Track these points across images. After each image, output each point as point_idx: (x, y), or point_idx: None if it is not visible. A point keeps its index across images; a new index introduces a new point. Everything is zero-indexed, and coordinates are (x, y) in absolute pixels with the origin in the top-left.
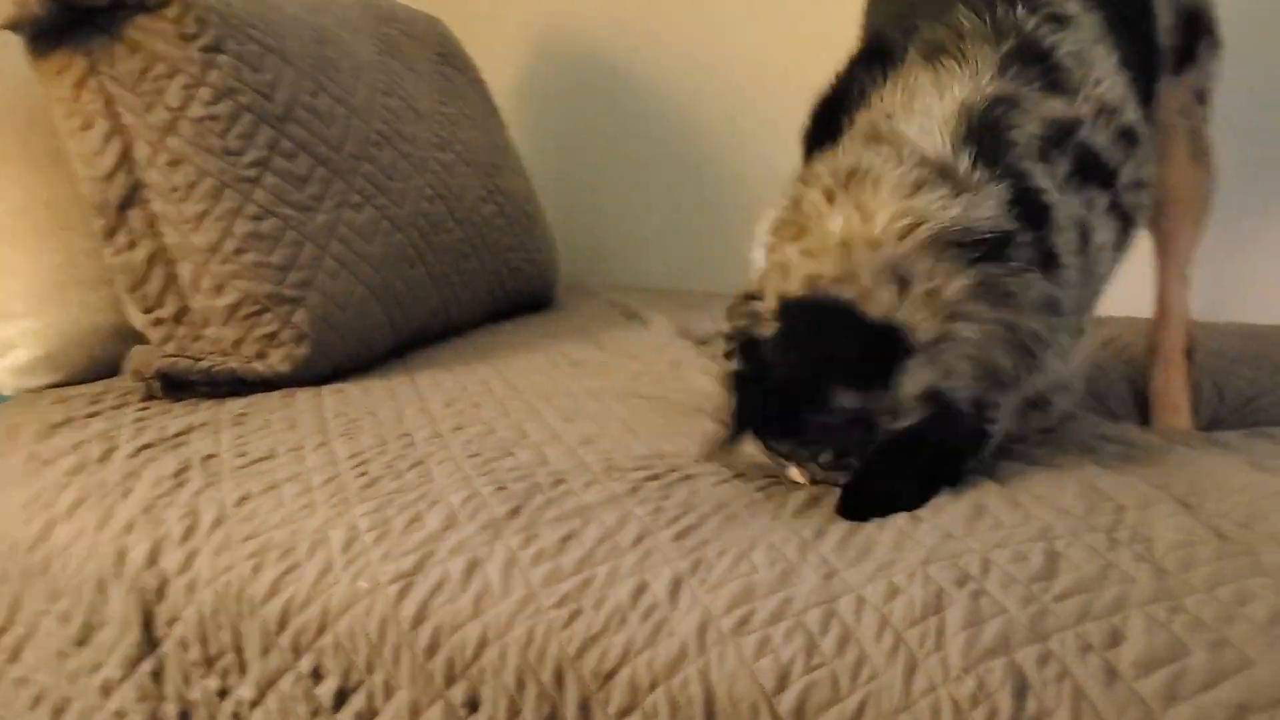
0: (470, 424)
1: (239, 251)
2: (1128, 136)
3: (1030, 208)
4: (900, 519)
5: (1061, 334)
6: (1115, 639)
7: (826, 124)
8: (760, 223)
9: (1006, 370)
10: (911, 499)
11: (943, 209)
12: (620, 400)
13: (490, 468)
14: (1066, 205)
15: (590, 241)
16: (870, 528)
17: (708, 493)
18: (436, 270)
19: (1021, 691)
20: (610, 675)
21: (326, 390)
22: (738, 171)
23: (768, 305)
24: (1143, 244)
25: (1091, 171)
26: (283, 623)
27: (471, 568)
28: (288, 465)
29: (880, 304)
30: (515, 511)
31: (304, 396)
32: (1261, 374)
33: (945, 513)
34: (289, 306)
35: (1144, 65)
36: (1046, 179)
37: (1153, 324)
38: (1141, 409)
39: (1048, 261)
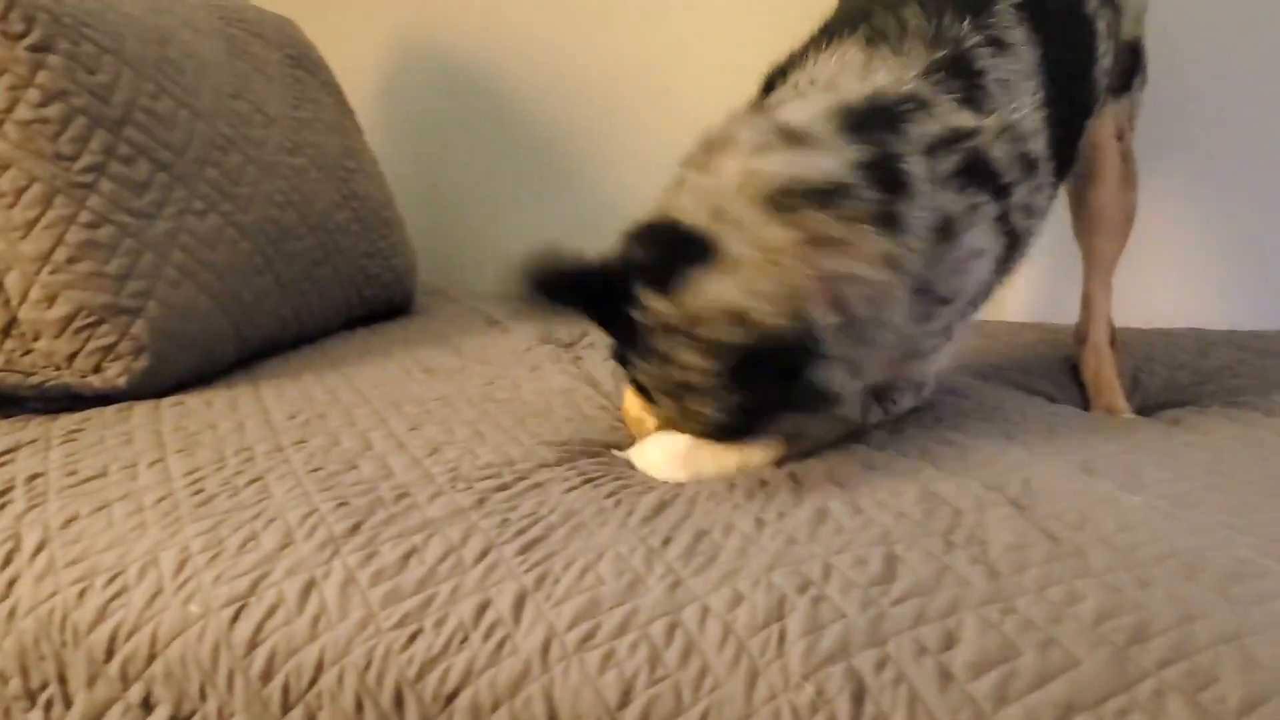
0: (314, 436)
1: (72, 260)
2: (1026, 161)
3: (883, 173)
4: (744, 525)
5: (900, 287)
6: (950, 641)
7: (766, 90)
8: None
9: (829, 321)
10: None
11: (778, 165)
12: (471, 406)
13: (332, 482)
14: (932, 192)
15: (453, 247)
16: (716, 533)
17: (556, 501)
18: (286, 278)
19: (859, 696)
20: (452, 697)
21: (166, 404)
22: (602, 175)
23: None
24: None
25: (980, 177)
26: (110, 651)
27: (308, 588)
28: (119, 484)
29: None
30: (355, 528)
31: (141, 411)
32: (1178, 372)
33: (789, 518)
34: (127, 318)
35: (1074, 106)
36: (916, 162)
37: (1080, 322)
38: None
39: (887, 220)
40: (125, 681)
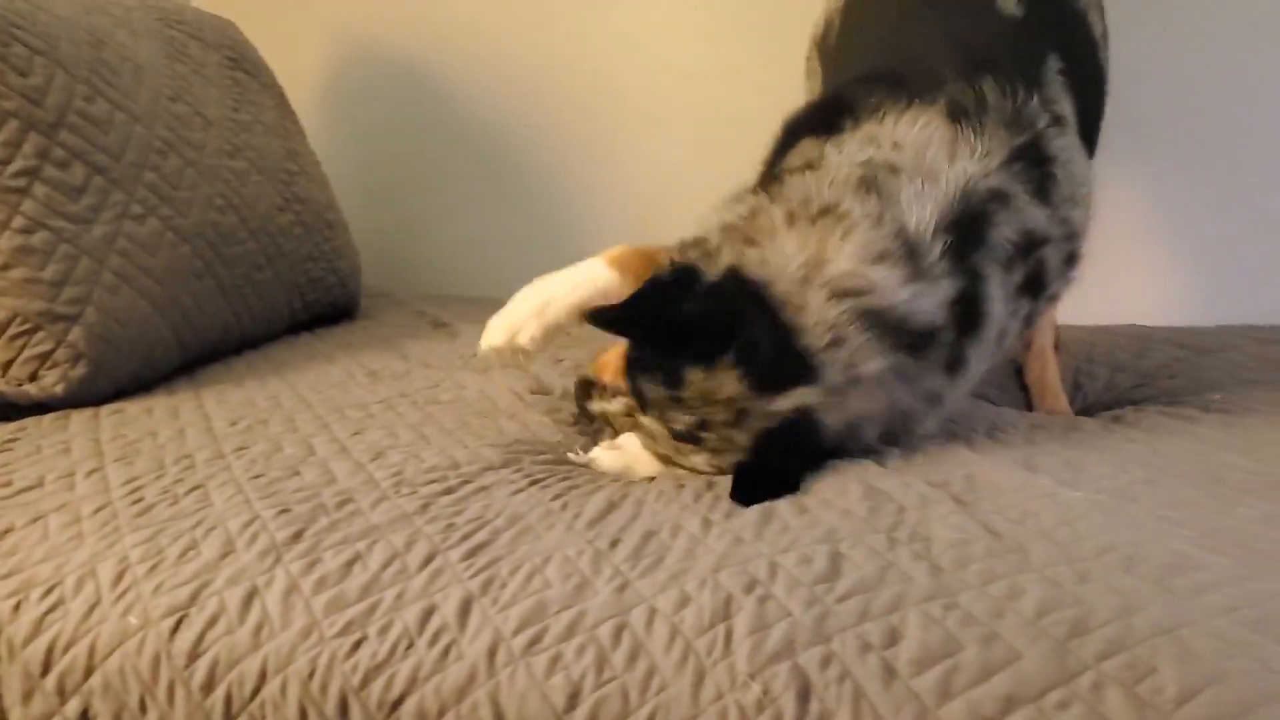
0: (256, 443)
1: (6, 267)
2: (1071, 261)
3: (968, 312)
4: (692, 525)
5: (932, 417)
6: (893, 638)
7: (814, 125)
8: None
9: (869, 433)
10: (794, 482)
11: (892, 290)
12: (416, 409)
13: (273, 489)
14: (1000, 315)
15: (399, 249)
16: (664, 534)
17: (503, 504)
18: (228, 282)
19: (805, 694)
20: (397, 704)
21: (105, 412)
22: (548, 178)
23: (721, 260)
24: None
25: (1034, 286)
26: (47, 665)
27: (250, 597)
28: (56, 494)
29: (808, 332)
30: (297, 536)
31: (79, 419)
32: (1118, 374)
33: (736, 518)
34: (63, 324)
35: (1090, 144)
36: (998, 288)
37: None
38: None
39: (954, 365)
40: (63, 696)
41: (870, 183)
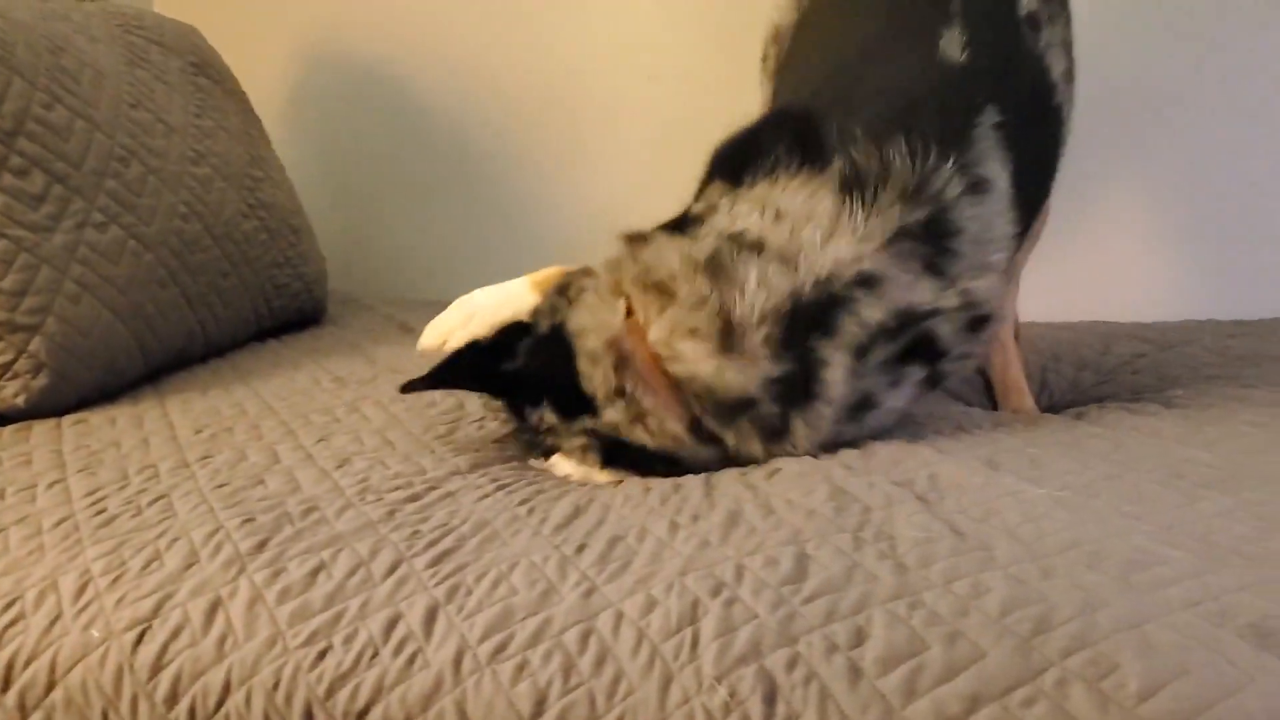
0: (220, 451)
1: None
2: (976, 324)
3: (793, 389)
4: (659, 529)
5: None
6: (859, 638)
7: (725, 169)
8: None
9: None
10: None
11: (695, 360)
12: (382, 413)
13: (238, 498)
14: (844, 391)
15: (365, 254)
16: (631, 539)
17: (468, 510)
18: (192, 290)
19: (771, 697)
20: (363, 714)
21: (67, 422)
22: (515, 180)
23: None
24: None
25: (920, 352)
26: (7, 680)
27: (213, 608)
28: (16, 507)
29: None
30: (261, 545)
31: (41, 430)
32: (1082, 372)
33: (703, 521)
34: (24, 334)
35: (1040, 191)
36: (839, 369)
37: None
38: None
39: (774, 431)
40: (24, 711)
41: (715, 266)
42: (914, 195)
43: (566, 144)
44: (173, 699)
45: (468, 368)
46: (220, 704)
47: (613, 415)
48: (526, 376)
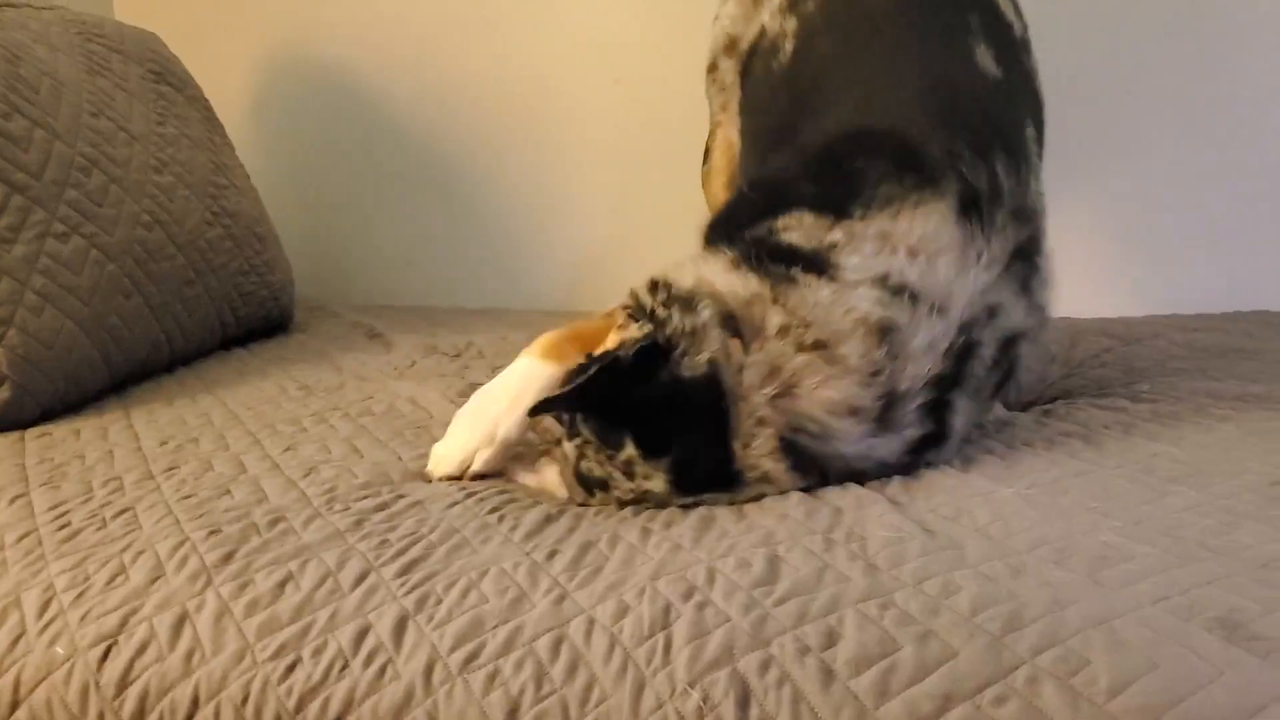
0: (185, 462)
1: None
2: (1037, 342)
3: (924, 445)
4: (631, 535)
5: None
6: (831, 639)
7: (817, 199)
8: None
9: None
10: None
11: (848, 442)
12: (349, 421)
13: (203, 510)
14: (961, 429)
15: (333, 261)
16: (602, 545)
17: (437, 518)
18: (156, 300)
19: (745, 700)
20: None
21: (30, 435)
22: (482, 186)
23: (704, 345)
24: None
25: (1005, 382)
26: None
27: (180, 622)
28: None
29: (741, 461)
30: (228, 557)
31: (4, 443)
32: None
33: (675, 526)
34: None
35: None
36: (963, 414)
37: None
38: None
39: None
40: None
41: (887, 331)
42: (1019, 213)
43: (532, 147)
44: (140, 715)
45: (606, 390)
46: (189, 719)
47: (746, 492)
48: (660, 415)
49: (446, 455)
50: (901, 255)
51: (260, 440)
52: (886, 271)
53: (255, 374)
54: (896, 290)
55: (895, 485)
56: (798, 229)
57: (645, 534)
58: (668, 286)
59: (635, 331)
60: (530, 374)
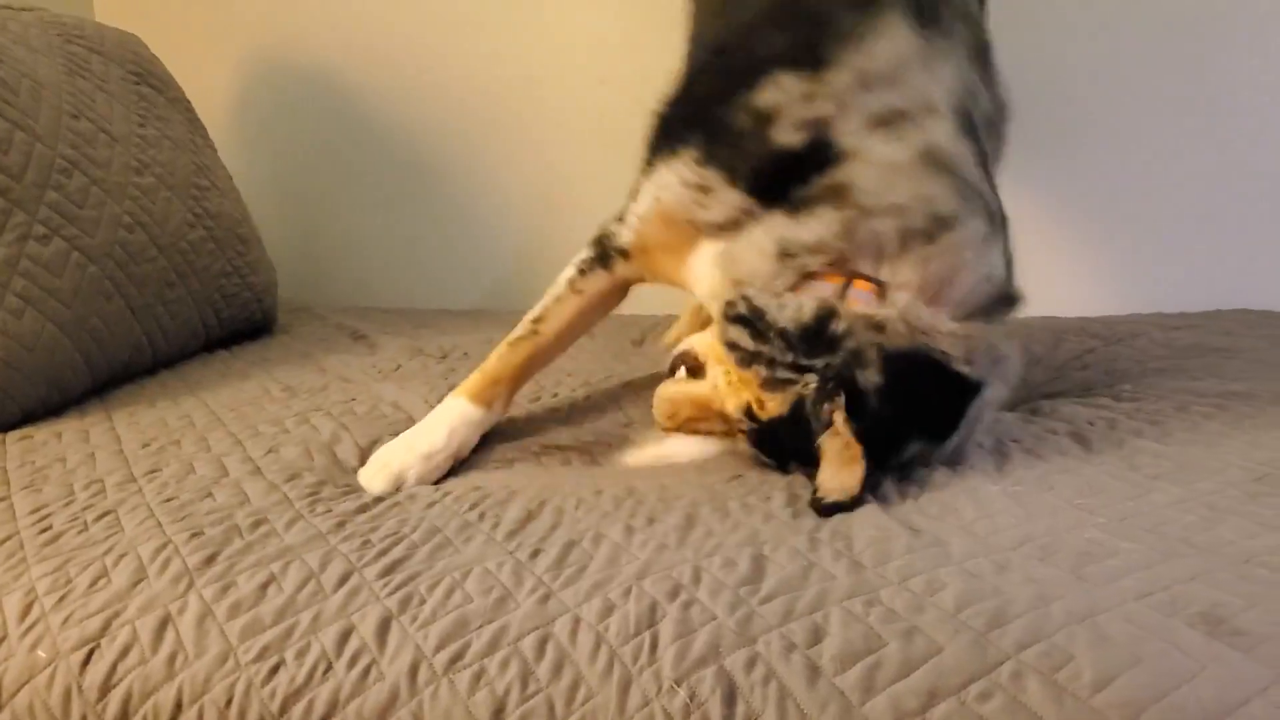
0: (168, 464)
1: None
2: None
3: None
4: (615, 533)
5: None
6: (817, 636)
7: (781, 61)
8: None
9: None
10: None
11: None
12: (331, 422)
13: (186, 512)
14: None
15: (316, 263)
16: (586, 543)
17: (418, 518)
18: (138, 302)
19: (731, 697)
20: None
21: (12, 438)
22: (465, 187)
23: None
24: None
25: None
26: None
27: (163, 625)
28: None
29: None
30: (210, 559)
31: None
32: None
33: (659, 524)
34: None
35: None
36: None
37: None
38: None
39: None
40: None
41: (933, 160)
42: (967, 17)
43: (518, 148)
44: (123, 719)
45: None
46: None
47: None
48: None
49: (375, 474)
50: (883, 88)
51: (243, 442)
52: (887, 108)
53: (238, 376)
54: (889, 119)
55: (881, 484)
56: (784, 110)
57: (629, 532)
58: (825, 318)
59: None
60: (463, 412)
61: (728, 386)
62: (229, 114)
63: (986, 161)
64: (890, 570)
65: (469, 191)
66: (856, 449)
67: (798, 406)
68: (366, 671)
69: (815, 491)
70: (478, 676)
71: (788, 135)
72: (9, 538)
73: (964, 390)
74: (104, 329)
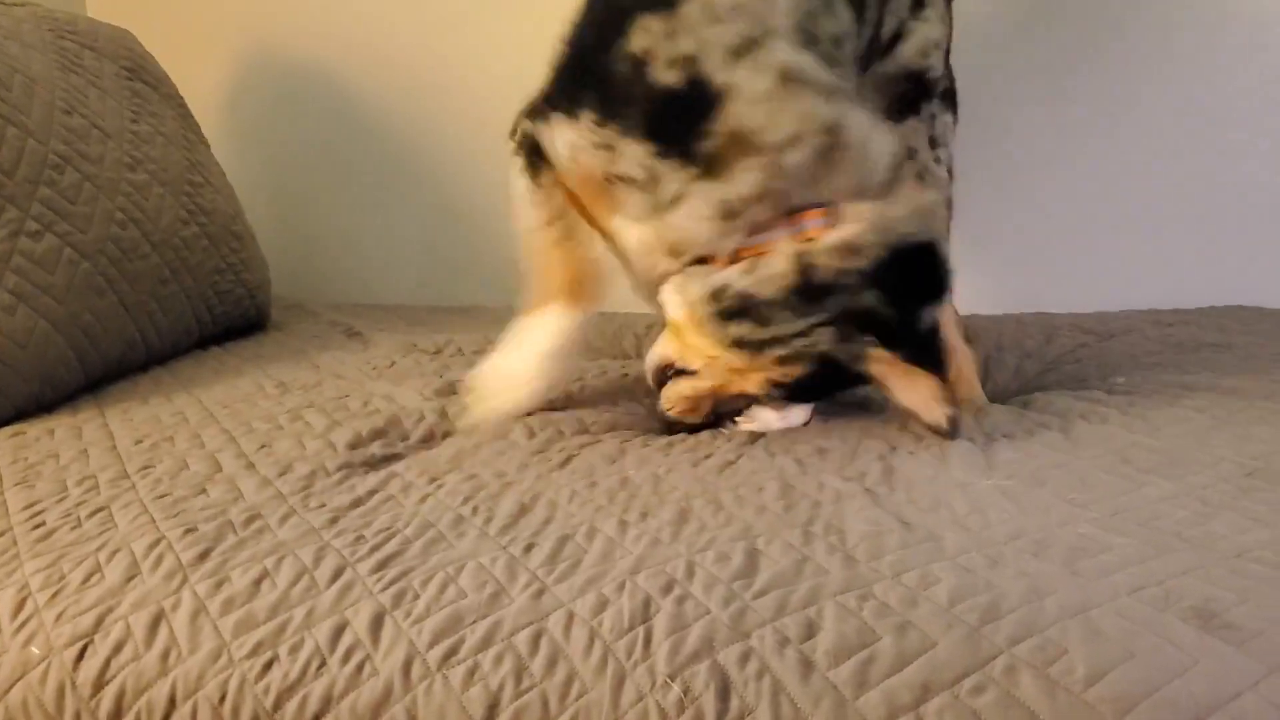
0: (161, 461)
1: None
2: None
3: None
4: (609, 527)
5: None
6: (811, 630)
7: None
8: None
9: None
10: None
11: None
12: (325, 418)
13: (179, 508)
14: None
15: (310, 259)
16: (580, 538)
17: (411, 513)
18: (131, 299)
19: (725, 692)
20: None
21: (4, 434)
22: (460, 183)
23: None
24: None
25: None
26: None
27: (156, 621)
28: None
29: None
30: (204, 555)
31: None
32: (1026, 360)
33: (652, 518)
34: None
35: None
36: None
37: None
38: None
39: None
40: None
41: (791, 77)
42: None
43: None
44: (117, 715)
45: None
46: (166, 719)
47: None
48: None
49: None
50: (730, 18)
51: (236, 438)
52: (735, 42)
53: (231, 372)
54: (743, 49)
55: (874, 478)
56: (656, 51)
57: (623, 526)
58: (804, 269)
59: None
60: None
61: (736, 373)
62: (222, 110)
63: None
64: (884, 565)
65: (463, 188)
66: (904, 365)
67: (823, 361)
68: (360, 667)
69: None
70: (471, 672)
71: (666, 75)
72: (2, 534)
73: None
74: (97, 325)
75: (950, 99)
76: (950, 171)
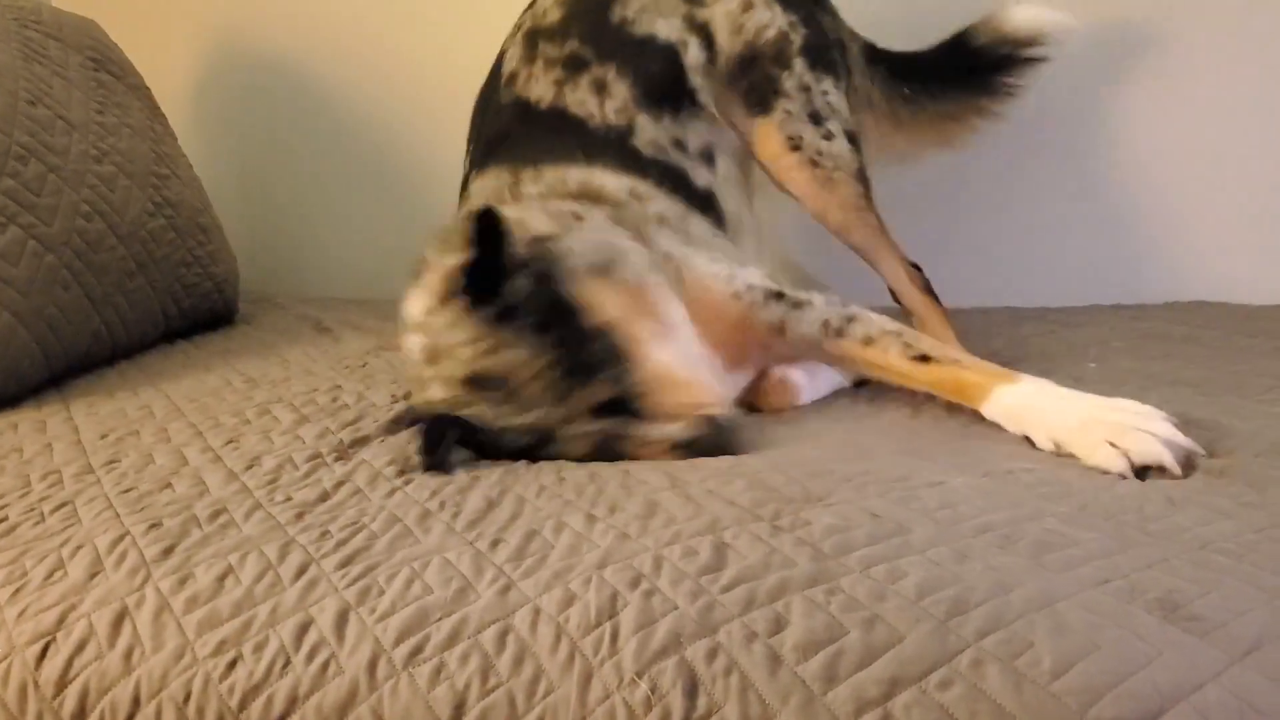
0: (126, 455)
1: None
2: None
3: None
4: (576, 521)
5: None
6: (779, 625)
7: None
8: None
9: None
10: None
11: None
12: (292, 413)
13: (144, 504)
14: None
15: (279, 252)
16: (547, 532)
17: (378, 508)
18: (97, 291)
19: (692, 689)
20: None
21: None
22: (428, 174)
23: None
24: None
25: None
26: None
27: (119, 619)
28: None
29: None
30: (168, 551)
31: None
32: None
33: (620, 512)
34: None
35: None
36: None
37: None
38: None
39: None
40: None
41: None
42: None
43: None
44: (80, 715)
45: None
46: (130, 719)
47: None
48: None
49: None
50: None
51: (203, 433)
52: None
53: (199, 367)
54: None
55: (848, 473)
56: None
57: (590, 520)
58: None
59: None
60: None
61: None
62: (189, 102)
63: None
64: (852, 559)
65: (431, 181)
66: None
67: None
68: (325, 666)
69: None
70: (438, 670)
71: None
72: None
73: None
74: (61, 318)
75: (821, 57)
76: (854, 140)
